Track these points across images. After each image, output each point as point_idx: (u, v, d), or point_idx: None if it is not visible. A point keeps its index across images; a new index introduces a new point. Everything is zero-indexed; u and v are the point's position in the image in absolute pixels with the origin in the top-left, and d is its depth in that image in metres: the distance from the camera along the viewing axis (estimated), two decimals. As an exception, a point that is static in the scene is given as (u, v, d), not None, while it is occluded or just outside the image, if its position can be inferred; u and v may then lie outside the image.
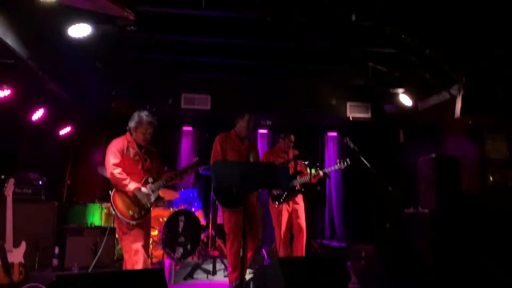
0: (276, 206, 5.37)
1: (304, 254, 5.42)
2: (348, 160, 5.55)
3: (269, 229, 7.79)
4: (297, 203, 5.52)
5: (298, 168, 5.69)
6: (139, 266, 3.84)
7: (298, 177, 5.49)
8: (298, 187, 5.52)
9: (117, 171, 3.93)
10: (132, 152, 4.08)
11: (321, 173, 5.49)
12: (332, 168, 5.69)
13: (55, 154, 7.45)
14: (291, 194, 5.45)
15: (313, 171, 5.36)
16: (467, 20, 4.99)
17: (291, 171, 5.56)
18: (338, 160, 5.70)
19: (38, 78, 5.61)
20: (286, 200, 5.41)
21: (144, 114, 4.12)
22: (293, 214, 5.48)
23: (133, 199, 3.97)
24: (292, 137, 5.64)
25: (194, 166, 4.43)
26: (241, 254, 3.61)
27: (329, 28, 5.63)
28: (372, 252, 5.93)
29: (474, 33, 5.14)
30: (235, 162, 4.79)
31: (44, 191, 6.02)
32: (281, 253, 5.36)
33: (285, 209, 5.43)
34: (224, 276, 5.52)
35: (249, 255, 4.89)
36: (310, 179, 5.26)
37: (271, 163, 5.06)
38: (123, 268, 4.07)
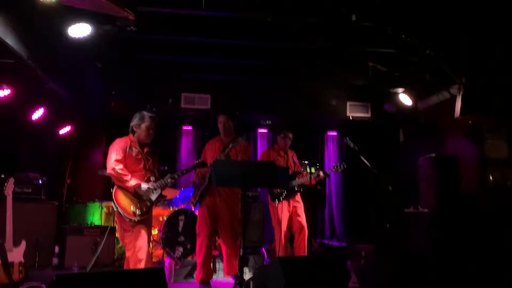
0: (276, 204, 5.37)
1: (306, 253, 5.43)
2: (344, 164, 5.60)
3: (269, 229, 7.79)
4: (297, 202, 5.53)
5: (297, 169, 5.70)
6: (143, 263, 3.85)
7: (297, 178, 5.50)
8: (297, 187, 5.52)
9: (119, 167, 3.95)
10: (134, 151, 4.11)
11: (321, 174, 5.49)
12: (330, 171, 5.70)
13: (55, 154, 7.45)
14: (290, 193, 5.45)
15: (313, 169, 5.37)
16: (467, 20, 5.00)
17: (290, 171, 5.56)
18: (335, 164, 5.78)
19: (38, 78, 5.61)
20: (286, 199, 5.41)
21: (145, 111, 4.22)
22: (293, 213, 5.48)
23: (135, 195, 3.99)
24: (290, 135, 5.64)
25: (195, 168, 4.50)
26: (241, 254, 3.62)
27: (329, 28, 5.64)
28: (372, 252, 5.93)
29: (474, 33, 5.14)
30: (236, 161, 4.81)
31: (44, 191, 6.03)
32: (282, 253, 5.35)
33: (286, 208, 5.43)
34: (224, 276, 5.53)
35: (224, 254, 4.95)
36: (310, 180, 5.25)
37: (271, 162, 5.07)
38: (125, 265, 4.08)
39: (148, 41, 6.18)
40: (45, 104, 6.54)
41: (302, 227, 5.44)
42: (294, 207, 5.49)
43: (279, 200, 5.37)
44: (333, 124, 8.55)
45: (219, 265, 5.70)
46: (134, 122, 4.17)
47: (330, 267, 3.54)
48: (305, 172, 5.67)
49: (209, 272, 4.95)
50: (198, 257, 4.86)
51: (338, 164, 5.68)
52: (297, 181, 5.48)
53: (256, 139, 8.58)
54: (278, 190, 5.39)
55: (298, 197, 5.56)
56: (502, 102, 5.54)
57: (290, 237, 5.61)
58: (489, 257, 5.10)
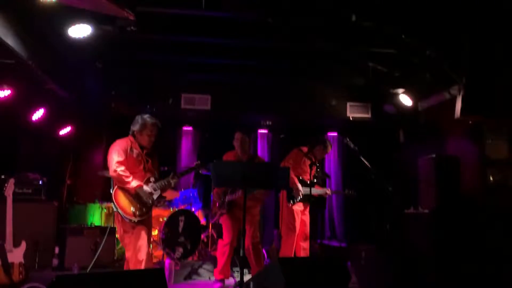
0: (290, 205, 5.32)
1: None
2: (355, 192, 5.80)
3: (269, 230, 7.79)
4: (307, 210, 5.48)
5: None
6: (143, 263, 3.85)
7: (315, 187, 5.45)
8: (316, 195, 5.48)
9: (121, 168, 3.94)
10: (135, 152, 4.10)
11: (328, 192, 5.60)
12: (339, 192, 5.72)
13: (55, 154, 7.44)
14: (305, 199, 5.38)
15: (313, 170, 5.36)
16: (467, 20, 5.00)
17: (308, 178, 5.49)
18: (346, 190, 5.96)
19: (38, 78, 5.61)
20: (302, 201, 5.38)
21: (147, 117, 4.19)
22: (301, 221, 5.44)
23: (135, 196, 3.99)
24: (329, 148, 5.63)
25: (195, 169, 4.49)
26: (241, 254, 3.63)
27: (329, 28, 5.64)
28: (372, 252, 5.92)
29: (474, 33, 5.14)
30: (236, 162, 4.81)
31: (44, 191, 6.03)
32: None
33: (300, 212, 5.41)
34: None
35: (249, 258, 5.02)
36: (310, 191, 5.21)
37: (271, 163, 5.07)
38: (125, 266, 4.08)
39: (148, 41, 6.18)
40: (45, 105, 6.53)
41: (306, 237, 5.45)
42: (304, 214, 5.45)
43: (293, 202, 5.32)
44: (333, 124, 8.54)
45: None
46: (136, 127, 4.15)
47: (330, 268, 3.54)
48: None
49: (228, 272, 5.19)
50: (221, 258, 5.11)
51: (351, 191, 5.88)
52: (315, 190, 5.43)
53: (256, 140, 8.57)
54: (300, 193, 5.30)
55: (308, 206, 5.49)
56: (503, 102, 5.53)
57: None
58: (489, 258, 5.09)
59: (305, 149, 5.55)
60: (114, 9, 4.59)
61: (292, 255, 5.33)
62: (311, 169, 5.23)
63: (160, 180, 4.17)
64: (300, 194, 5.30)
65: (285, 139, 6.87)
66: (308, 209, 5.47)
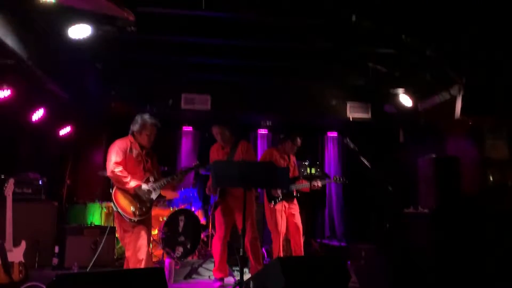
0: (272, 206, 5.34)
1: (302, 253, 5.44)
2: (345, 179, 5.76)
3: (269, 229, 7.78)
4: (293, 204, 5.51)
5: (295, 173, 5.69)
6: (143, 263, 3.86)
7: (296, 183, 5.48)
8: (294, 192, 5.51)
9: (118, 169, 3.95)
10: (135, 152, 4.11)
11: (319, 184, 5.50)
12: (329, 181, 5.75)
13: (55, 154, 7.45)
14: (287, 197, 5.43)
15: (313, 170, 5.36)
16: (467, 20, 5.00)
17: (290, 175, 5.53)
18: (336, 176, 5.90)
19: (38, 78, 5.61)
20: (283, 200, 5.39)
21: (147, 117, 4.18)
22: (289, 215, 5.46)
23: (134, 196, 4.00)
24: (299, 140, 5.63)
25: (193, 169, 4.49)
26: (241, 253, 3.63)
27: (329, 28, 5.64)
28: (372, 252, 5.92)
29: (474, 33, 5.15)
30: (235, 162, 4.82)
31: (44, 191, 6.03)
32: (281, 255, 5.34)
33: (283, 210, 5.41)
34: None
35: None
36: (310, 186, 5.28)
37: (271, 162, 5.07)
38: (125, 266, 4.09)
39: (148, 41, 6.18)
40: (45, 105, 6.53)
41: (297, 228, 5.45)
42: (290, 208, 5.48)
43: (275, 202, 5.34)
44: (333, 124, 8.55)
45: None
46: (136, 127, 4.15)
47: (330, 267, 3.54)
48: (304, 172, 5.65)
49: (226, 269, 5.14)
50: (215, 255, 5.09)
51: (339, 177, 5.79)
52: (296, 186, 5.47)
53: (256, 140, 8.57)
54: (278, 192, 5.36)
55: (294, 200, 5.54)
56: (502, 102, 5.54)
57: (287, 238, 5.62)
58: (489, 258, 5.09)
59: (276, 148, 5.66)
60: (114, 9, 4.60)
61: (281, 255, 5.34)
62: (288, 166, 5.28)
63: (160, 179, 4.17)
64: (279, 193, 5.31)
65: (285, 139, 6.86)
66: (296, 208, 5.50)
